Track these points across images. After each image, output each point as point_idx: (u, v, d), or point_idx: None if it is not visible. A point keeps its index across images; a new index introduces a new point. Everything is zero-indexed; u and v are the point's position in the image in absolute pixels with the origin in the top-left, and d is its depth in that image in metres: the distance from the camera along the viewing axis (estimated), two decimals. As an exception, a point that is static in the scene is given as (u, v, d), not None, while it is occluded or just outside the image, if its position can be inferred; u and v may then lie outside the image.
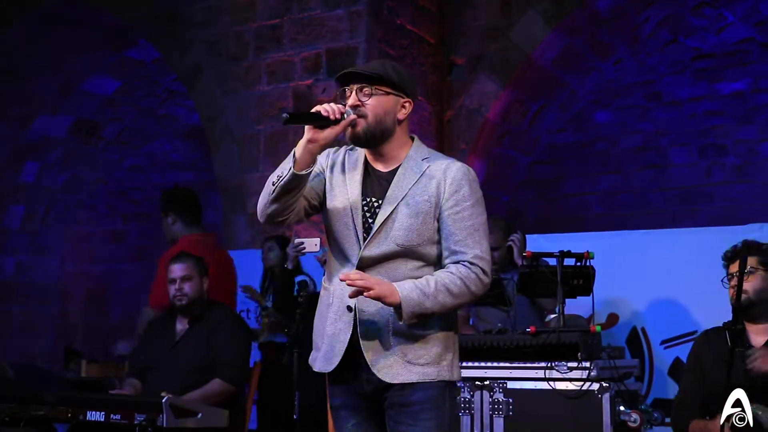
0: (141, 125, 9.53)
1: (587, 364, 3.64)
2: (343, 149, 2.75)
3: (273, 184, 2.55)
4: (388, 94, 2.63)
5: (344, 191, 2.64)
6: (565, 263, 3.86)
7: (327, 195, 2.67)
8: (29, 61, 7.98)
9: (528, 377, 3.78)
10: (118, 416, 3.35)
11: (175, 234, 4.76)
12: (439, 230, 2.60)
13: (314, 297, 4.74)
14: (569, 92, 7.44)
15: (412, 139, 2.73)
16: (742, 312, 3.40)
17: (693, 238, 4.93)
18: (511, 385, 3.81)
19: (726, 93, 8.46)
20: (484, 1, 6.78)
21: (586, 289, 3.87)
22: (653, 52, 7.82)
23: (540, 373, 3.73)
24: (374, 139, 2.62)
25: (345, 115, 2.56)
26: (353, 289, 2.49)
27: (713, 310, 4.43)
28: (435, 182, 2.60)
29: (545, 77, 7.02)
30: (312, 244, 4.83)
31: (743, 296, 3.32)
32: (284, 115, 2.49)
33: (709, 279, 4.15)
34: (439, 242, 2.61)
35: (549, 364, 3.70)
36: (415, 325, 2.55)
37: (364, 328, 2.57)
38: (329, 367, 2.61)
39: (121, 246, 11.26)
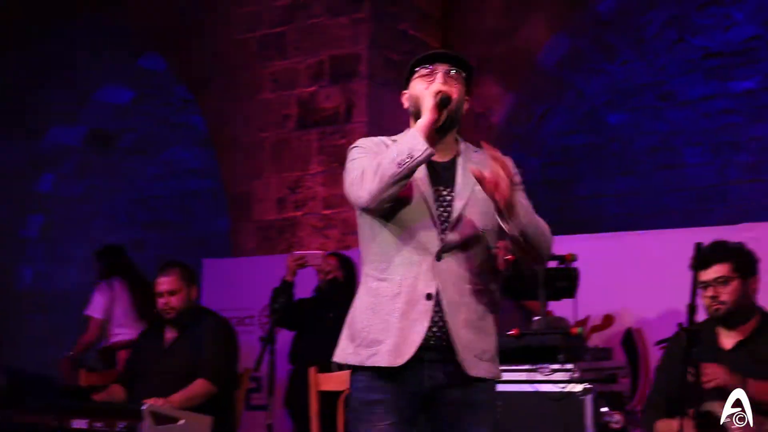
0: (157, 134, 9.64)
1: (570, 366, 3.65)
2: (389, 140, 2.69)
3: (400, 165, 2.45)
4: (465, 85, 2.65)
5: (412, 182, 2.57)
6: (548, 265, 3.87)
7: None
8: (45, 72, 8.11)
9: (513, 379, 3.79)
10: (100, 424, 3.41)
11: None
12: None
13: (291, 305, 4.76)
14: (576, 94, 7.42)
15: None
16: (720, 321, 3.37)
17: (686, 238, 4.90)
18: (497, 387, 3.82)
19: (738, 91, 8.40)
20: (487, 5, 6.79)
21: (570, 291, 3.87)
22: (661, 52, 7.79)
23: (524, 375, 3.75)
24: (453, 121, 2.62)
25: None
26: (427, 277, 2.49)
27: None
28: None
29: (550, 79, 7.01)
30: (315, 257, 4.84)
31: (722, 307, 3.30)
32: (444, 97, 2.51)
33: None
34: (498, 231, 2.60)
35: (533, 367, 3.71)
36: (481, 309, 2.56)
37: (448, 317, 2.51)
38: (400, 361, 2.49)
39: (140, 254, 11.38)
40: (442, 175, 2.62)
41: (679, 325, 3.13)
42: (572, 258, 3.86)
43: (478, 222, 2.58)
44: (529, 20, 6.67)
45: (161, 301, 4.27)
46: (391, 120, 6.26)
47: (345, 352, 2.61)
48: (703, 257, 3.35)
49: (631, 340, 4.70)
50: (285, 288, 4.81)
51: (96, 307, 6.16)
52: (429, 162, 2.57)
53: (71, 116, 8.64)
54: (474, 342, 2.54)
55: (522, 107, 7.05)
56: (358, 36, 6.39)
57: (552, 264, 3.90)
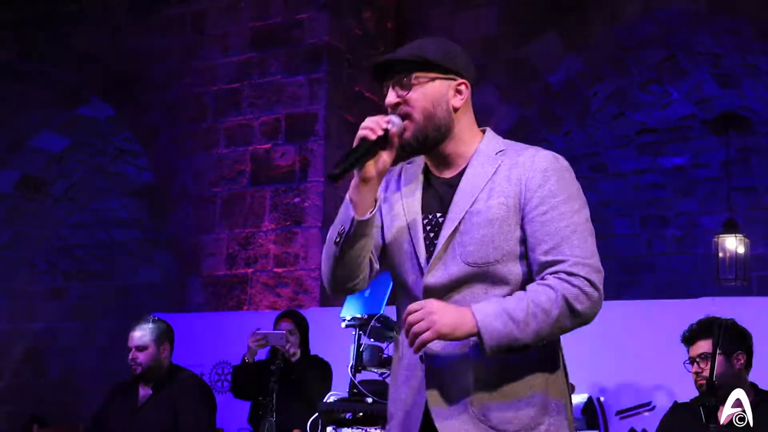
0: (90, 182, 9.43)
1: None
2: (398, 167, 2.21)
3: (336, 243, 2.03)
4: (433, 80, 2.08)
5: (400, 213, 2.11)
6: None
7: (384, 228, 2.14)
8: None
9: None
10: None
11: None
12: (523, 241, 2.02)
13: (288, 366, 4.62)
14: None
15: (484, 132, 2.18)
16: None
17: (646, 309, 5.04)
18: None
19: (668, 167, 8.74)
20: (441, 72, 6.92)
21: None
22: (600, 125, 8.06)
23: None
24: (428, 141, 2.07)
25: (390, 126, 2.02)
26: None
27: (665, 383, 4.55)
28: (514, 179, 2.04)
29: (498, 146, 7.16)
30: (277, 337, 4.48)
31: (706, 383, 3.38)
32: (331, 173, 2.01)
33: (661, 351, 4.26)
34: (524, 257, 2.03)
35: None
36: (504, 364, 1.98)
37: (434, 382, 2.01)
38: None
39: (60, 303, 11.05)
40: (442, 196, 2.10)
41: (696, 399, 3.21)
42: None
43: (474, 248, 2.01)
44: (481, 89, 6.82)
45: (129, 354, 4.20)
46: (347, 180, 6.28)
47: None
48: (689, 333, 3.46)
49: (593, 409, 4.77)
50: (246, 368, 4.64)
51: None
52: (433, 181, 2.12)
53: (3, 162, 8.40)
54: (486, 408, 1.97)
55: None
56: (315, 95, 6.43)
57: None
